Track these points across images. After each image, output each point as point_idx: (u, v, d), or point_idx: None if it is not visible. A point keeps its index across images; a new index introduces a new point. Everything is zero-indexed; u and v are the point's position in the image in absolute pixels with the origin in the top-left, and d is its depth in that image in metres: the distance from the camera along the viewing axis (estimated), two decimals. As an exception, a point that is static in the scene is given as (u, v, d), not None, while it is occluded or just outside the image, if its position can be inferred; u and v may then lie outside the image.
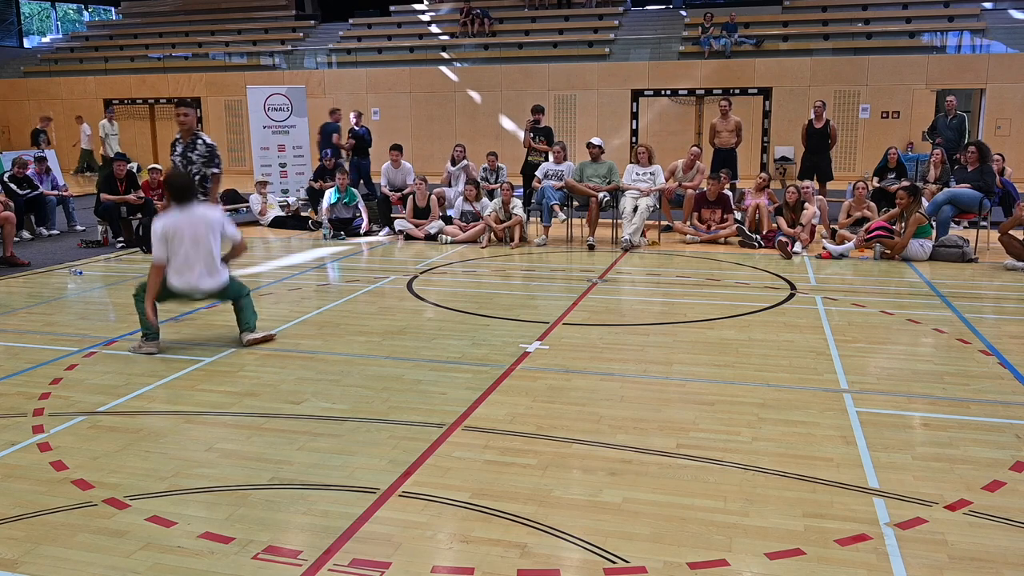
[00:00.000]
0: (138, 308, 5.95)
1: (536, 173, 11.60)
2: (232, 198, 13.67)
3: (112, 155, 16.17)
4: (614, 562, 3.11)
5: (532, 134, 13.05)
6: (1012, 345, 6.00)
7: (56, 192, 12.81)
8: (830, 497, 3.62)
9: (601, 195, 10.85)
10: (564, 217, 10.94)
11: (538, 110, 13.23)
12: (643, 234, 10.78)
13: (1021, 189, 11.80)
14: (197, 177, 7.54)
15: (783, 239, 9.93)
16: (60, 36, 31.68)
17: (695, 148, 12.08)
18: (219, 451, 4.17)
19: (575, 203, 11.24)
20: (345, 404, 4.85)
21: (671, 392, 5.06)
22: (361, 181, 14.44)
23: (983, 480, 3.78)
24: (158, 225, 5.79)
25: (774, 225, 10.54)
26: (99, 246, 11.04)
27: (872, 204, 10.66)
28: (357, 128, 14.79)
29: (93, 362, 5.74)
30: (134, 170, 11.58)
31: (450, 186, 12.69)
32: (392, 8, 26.61)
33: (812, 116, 12.63)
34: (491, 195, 11.71)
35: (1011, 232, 9.09)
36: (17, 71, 26.81)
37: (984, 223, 10.25)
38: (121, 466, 4.00)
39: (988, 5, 21.37)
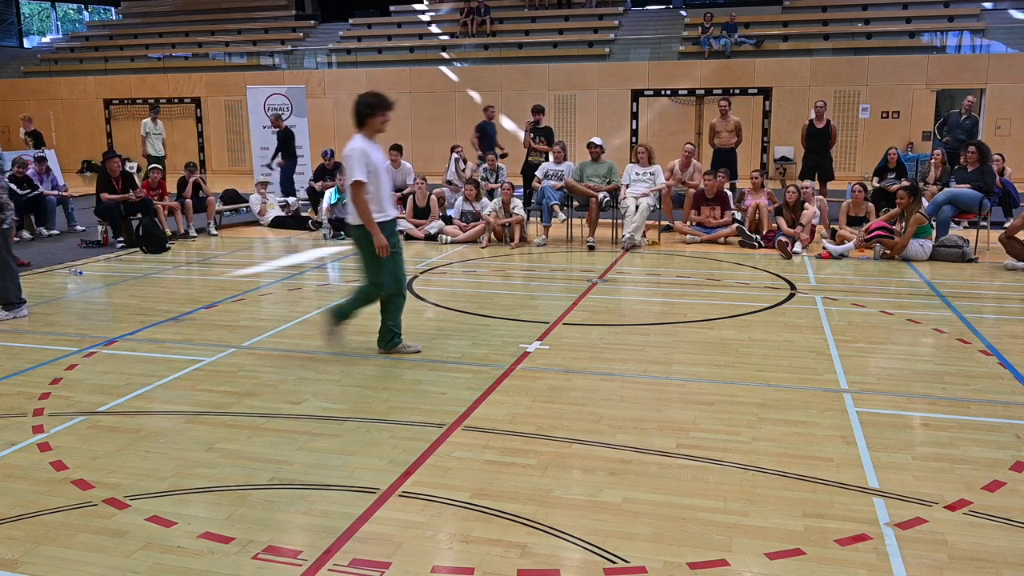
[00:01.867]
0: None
1: (536, 173, 11.60)
2: (232, 198, 13.67)
3: (153, 155, 16.12)
4: (614, 562, 3.11)
5: (532, 134, 13.04)
6: (1012, 345, 5.99)
7: (56, 192, 12.81)
8: (830, 497, 3.62)
9: (601, 195, 10.86)
10: (564, 217, 10.95)
11: (538, 110, 13.21)
12: (643, 234, 10.78)
13: (1021, 189, 11.81)
14: None
15: (783, 239, 9.93)
16: (60, 36, 31.69)
17: (688, 146, 12.06)
18: (219, 451, 4.17)
19: (575, 203, 11.24)
20: (345, 404, 4.85)
21: (671, 392, 5.06)
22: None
23: (983, 480, 3.78)
24: None
25: (774, 225, 10.54)
26: (99, 246, 11.04)
27: (871, 205, 10.66)
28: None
29: (93, 362, 5.74)
30: (133, 170, 11.55)
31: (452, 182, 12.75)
32: (392, 8, 26.61)
33: (813, 116, 12.62)
34: (491, 195, 11.71)
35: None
36: (17, 71, 26.81)
37: (984, 223, 10.25)
38: (121, 466, 4.00)
39: (988, 5, 21.37)
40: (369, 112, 5.50)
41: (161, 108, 18.15)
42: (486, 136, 13.70)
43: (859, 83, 19.48)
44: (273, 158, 14.92)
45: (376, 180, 5.51)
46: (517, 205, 10.96)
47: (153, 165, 12.48)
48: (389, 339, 5.87)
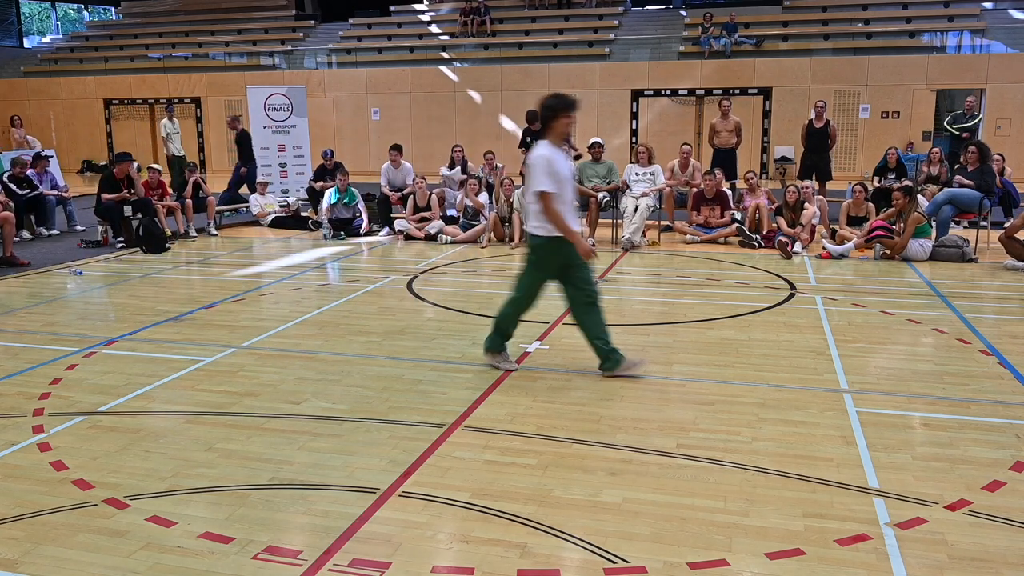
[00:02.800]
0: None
1: None
2: (232, 198, 13.66)
3: (175, 155, 16.05)
4: (614, 562, 3.11)
5: (530, 138, 12.97)
6: (1012, 345, 5.99)
7: (56, 192, 12.81)
8: (830, 497, 3.62)
9: (601, 195, 10.86)
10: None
11: (533, 118, 13.06)
12: (643, 234, 10.78)
13: (1021, 189, 11.81)
14: None
15: (783, 239, 9.93)
16: (60, 36, 31.69)
17: (685, 146, 12.06)
18: (219, 451, 4.17)
19: (575, 203, 11.21)
20: (345, 404, 4.85)
21: (671, 392, 5.06)
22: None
23: (983, 480, 3.78)
24: None
25: (774, 225, 10.54)
26: (99, 246, 11.04)
27: (871, 205, 10.66)
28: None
29: (93, 362, 5.74)
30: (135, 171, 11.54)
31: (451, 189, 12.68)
32: (392, 8, 26.61)
33: (812, 116, 12.63)
34: (490, 190, 11.72)
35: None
36: (17, 71, 26.81)
37: (984, 223, 10.25)
38: (121, 466, 4.00)
39: (988, 5, 21.37)
40: (552, 115, 5.15)
41: (175, 107, 17.94)
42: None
43: (859, 83, 19.48)
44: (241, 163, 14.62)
45: (562, 190, 5.12)
46: (515, 199, 10.93)
47: (152, 165, 12.46)
48: (603, 346, 5.35)
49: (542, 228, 5.18)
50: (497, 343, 5.53)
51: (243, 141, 14.50)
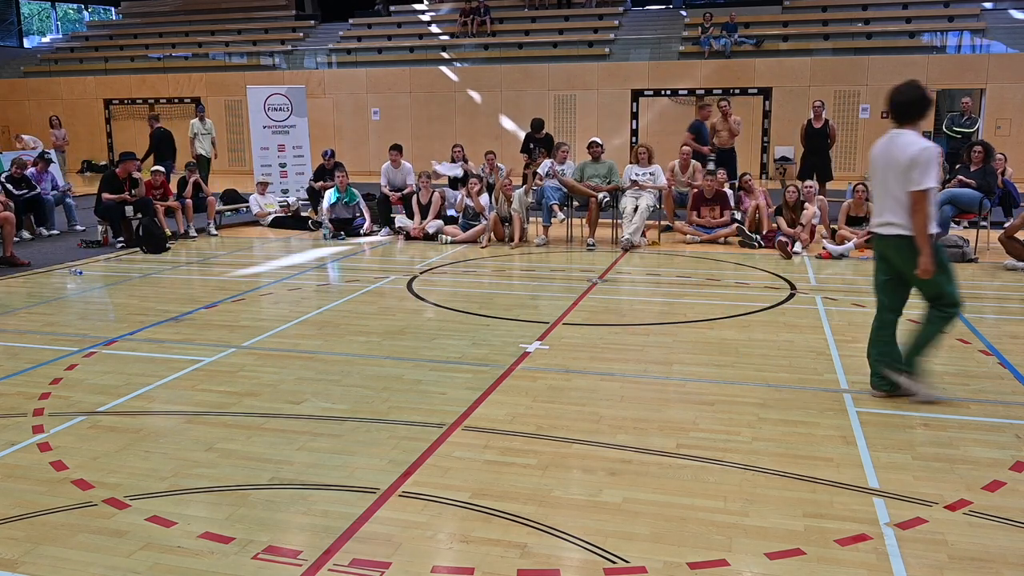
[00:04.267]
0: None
1: (539, 171, 11.60)
2: (232, 198, 13.66)
3: (204, 155, 16.02)
4: (614, 562, 3.11)
5: (533, 144, 13.00)
6: (1012, 345, 5.99)
7: (56, 192, 12.79)
8: (830, 497, 3.62)
9: (601, 195, 10.86)
10: (563, 217, 10.94)
11: (538, 126, 13.11)
12: (643, 234, 10.78)
13: (1021, 189, 11.80)
14: None
15: (783, 239, 9.93)
16: (60, 36, 31.67)
17: (685, 147, 12.08)
18: (219, 451, 4.18)
19: (575, 203, 11.24)
20: (345, 404, 4.85)
21: (671, 392, 5.06)
22: None
23: (983, 480, 3.78)
24: None
25: (774, 225, 10.53)
26: (99, 246, 11.04)
27: (871, 205, 10.64)
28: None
29: (93, 362, 5.74)
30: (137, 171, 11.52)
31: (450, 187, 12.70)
32: (392, 8, 26.60)
33: (812, 116, 12.65)
34: (490, 190, 11.73)
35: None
36: (17, 71, 26.81)
37: (984, 223, 10.25)
38: (121, 466, 4.00)
39: (988, 5, 21.36)
40: (928, 105, 4.71)
41: (206, 107, 17.82)
42: (701, 136, 12.80)
43: (859, 83, 19.48)
44: (145, 158, 14.34)
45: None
46: (516, 199, 10.94)
47: (155, 168, 12.46)
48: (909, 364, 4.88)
49: (910, 227, 4.61)
50: (889, 379, 4.87)
51: (161, 140, 14.48)
